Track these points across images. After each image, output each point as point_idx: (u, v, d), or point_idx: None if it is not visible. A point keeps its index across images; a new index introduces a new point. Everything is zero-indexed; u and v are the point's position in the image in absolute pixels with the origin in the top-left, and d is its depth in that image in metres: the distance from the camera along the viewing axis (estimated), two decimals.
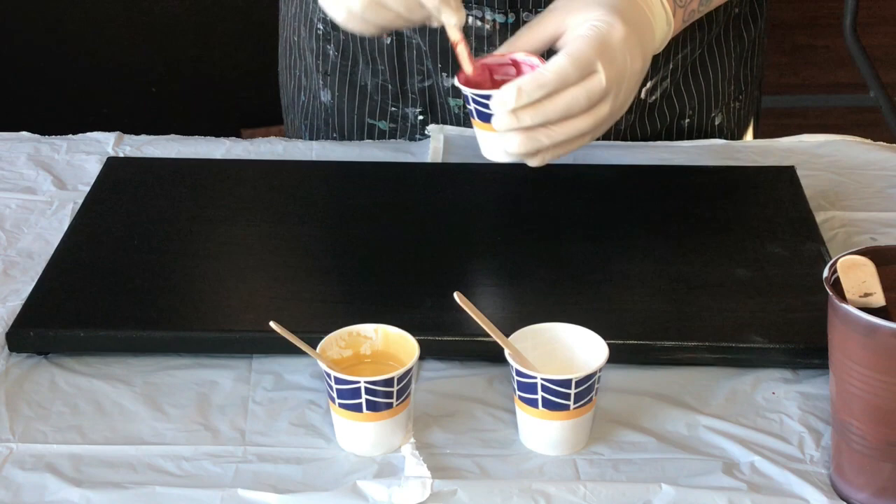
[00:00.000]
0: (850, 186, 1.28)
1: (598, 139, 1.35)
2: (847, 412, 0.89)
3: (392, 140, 1.40)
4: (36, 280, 1.11)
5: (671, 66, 1.35)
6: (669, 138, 1.38)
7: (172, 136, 1.40)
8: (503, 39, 1.26)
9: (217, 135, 1.41)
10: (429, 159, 1.33)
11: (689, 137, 1.39)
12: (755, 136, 1.49)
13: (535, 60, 1.08)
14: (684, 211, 1.22)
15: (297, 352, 0.95)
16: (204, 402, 1.01)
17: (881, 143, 1.37)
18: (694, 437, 0.97)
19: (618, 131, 1.37)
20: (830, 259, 0.94)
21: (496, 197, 1.24)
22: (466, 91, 1.07)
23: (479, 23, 1.30)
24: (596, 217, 1.20)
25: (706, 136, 1.40)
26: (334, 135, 1.43)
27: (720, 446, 0.96)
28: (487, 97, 1.04)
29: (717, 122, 1.40)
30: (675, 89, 1.37)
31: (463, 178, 1.28)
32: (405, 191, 1.26)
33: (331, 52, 1.40)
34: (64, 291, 1.10)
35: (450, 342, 1.03)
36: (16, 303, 1.10)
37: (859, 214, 1.23)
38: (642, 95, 1.35)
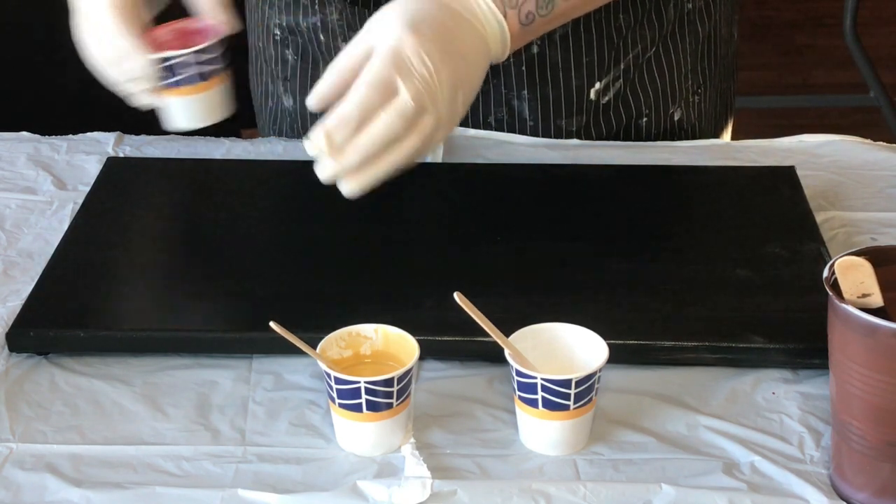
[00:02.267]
0: (850, 186, 1.28)
1: (584, 139, 1.36)
2: (847, 412, 0.89)
3: None
4: (36, 280, 1.11)
5: (622, 67, 1.34)
6: (627, 138, 1.38)
7: (172, 136, 1.40)
8: None
9: (217, 135, 1.41)
10: (429, 159, 1.33)
11: (648, 136, 1.38)
12: (733, 130, 1.49)
13: (211, 24, 1.12)
14: (684, 211, 1.22)
15: (297, 352, 0.95)
16: (204, 402, 1.01)
17: (881, 143, 1.37)
18: (694, 437, 0.97)
19: (569, 132, 1.36)
20: (830, 259, 0.94)
21: (496, 197, 1.24)
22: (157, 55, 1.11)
23: None
24: (596, 217, 1.20)
25: (665, 133, 1.38)
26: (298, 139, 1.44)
27: (720, 446, 0.96)
28: (168, 59, 1.09)
29: (676, 118, 1.39)
30: (630, 89, 1.36)
31: (463, 178, 1.28)
32: (405, 191, 1.26)
33: (290, 56, 1.40)
34: (64, 291, 1.10)
35: (450, 342, 1.03)
36: (16, 303, 1.10)
37: (859, 214, 1.23)
38: (592, 97, 1.35)
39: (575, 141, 1.36)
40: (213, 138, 1.39)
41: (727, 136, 1.47)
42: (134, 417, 0.99)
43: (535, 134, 1.36)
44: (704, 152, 1.35)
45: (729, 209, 1.22)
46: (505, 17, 1.10)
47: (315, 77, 1.39)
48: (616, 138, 1.37)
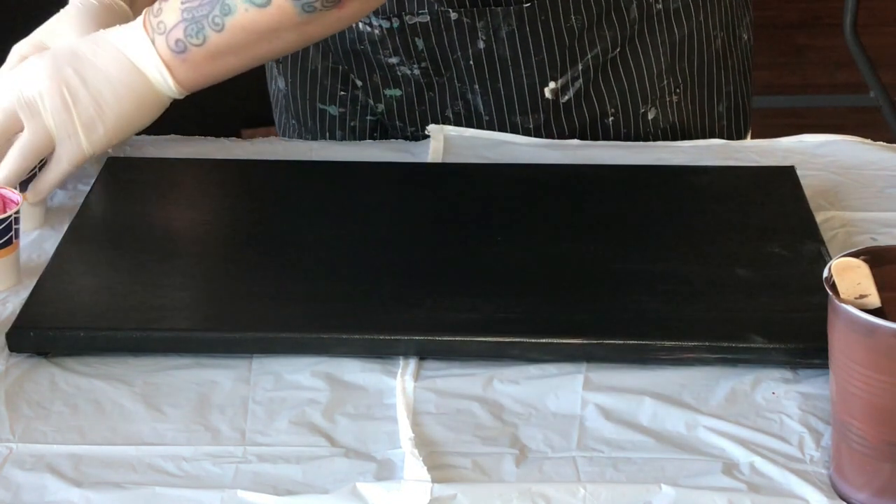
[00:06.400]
0: (850, 186, 1.28)
1: (545, 136, 1.36)
2: (847, 412, 0.89)
3: (392, 140, 1.41)
4: (36, 280, 1.11)
5: (581, 67, 1.34)
6: (595, 136, 1.37)
7: (172, 136, 1.40)
8: (392, 42, 1.33)
9: (217, 135, 1.41)
10: (429, 159, 1.33)
11: (617, 135, 1.37)
12: (753, 133, 1.49)
13: (11, 194, 1.13)
14: (684, 211, 1.22)
15: (297, 352, 0.95)
16: (204, 402, 1.01)
17: (881, 143, 1.37)
18: (694, 437, 0.97)
19: (526, 129, 1.36)
20: (830, 259, 0.94)
21: (496, 197, 1.24)
22: None
23: (368, 28, 1.33)
24: (596, 217, 1.20)
25: (637, 133, 1.38)
26: (293, 121, 1.46)
27: (720, 446, 0.96)
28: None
29: (650, 118, 1.38)
30: (594, 88, 1.35)
31: (463, 178, 1.28)
32: (405, 191, 1.26)
33: None
34: (64, 291, 1.10)
35: (450, 342, 1.03)
36: (16, 303, 1.10)
37: (859, 214, 1.23)
38: (548, 95, 1.35)
39: (575, 141, 1.36)
40: (213, 138, 1.40)
41: (748, 137, 1.47)
42: (134, 417, 0.99)
43: (491, 129, 1.36)
44: (704, 152, 1.35)
45: (729, 209, 1.22)
46: (153, 42, 1.18)
47: (305, 60, 1.42)
48: (582, 137, 1.37)
